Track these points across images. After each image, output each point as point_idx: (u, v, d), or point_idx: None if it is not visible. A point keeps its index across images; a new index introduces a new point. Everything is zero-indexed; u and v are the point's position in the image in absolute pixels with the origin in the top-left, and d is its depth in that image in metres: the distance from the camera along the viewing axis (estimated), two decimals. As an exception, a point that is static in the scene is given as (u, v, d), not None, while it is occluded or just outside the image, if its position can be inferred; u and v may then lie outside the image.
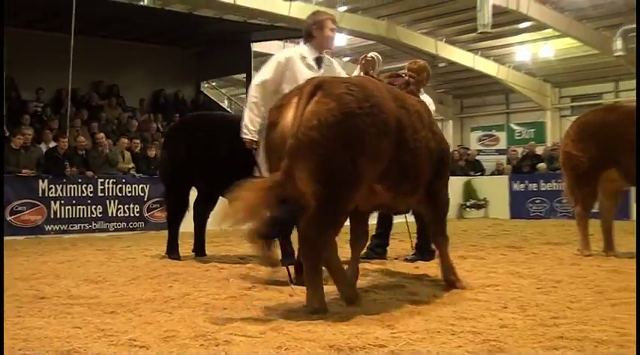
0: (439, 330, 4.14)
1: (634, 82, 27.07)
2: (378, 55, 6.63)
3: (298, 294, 5.56)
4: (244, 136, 6.34)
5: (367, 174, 4.72)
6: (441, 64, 27.09)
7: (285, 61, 6.22)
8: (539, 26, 23.52)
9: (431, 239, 6.05)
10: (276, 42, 25.27)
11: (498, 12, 20.83)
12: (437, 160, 5.54)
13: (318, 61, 6.34)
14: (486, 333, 4.05)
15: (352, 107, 4.53)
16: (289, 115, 4.57)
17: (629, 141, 7.74)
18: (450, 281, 5.84)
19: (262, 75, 6.29)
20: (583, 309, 4.86)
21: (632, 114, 8.08)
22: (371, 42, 25.77)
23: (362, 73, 6.48)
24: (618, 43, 23.17)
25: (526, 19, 22.89)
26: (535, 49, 26.87)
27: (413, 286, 6.01)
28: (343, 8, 23.31)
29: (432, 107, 7.92)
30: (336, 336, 3.99)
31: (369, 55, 6.54)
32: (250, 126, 6.29)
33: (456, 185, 17.19)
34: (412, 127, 5.11)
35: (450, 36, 26.25)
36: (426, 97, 7.92)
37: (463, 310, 4.79)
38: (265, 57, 29.14)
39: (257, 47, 22.59)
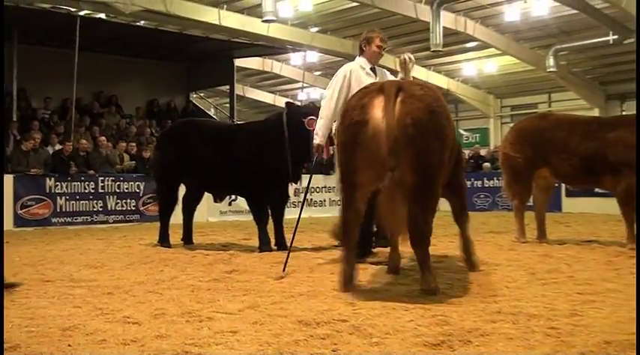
0: (394, 307, 4.15)
1: (564, 94, 27.39)
2: (410, 55, 6.66)
3: (274, 277, 5.57)
4: (315, 141, 6.45)
5: (445, 163, 4.75)
6: (399, 78, 27.12)
7: (349, 73, 6.39)
8: (483, 46, 23.64)
9: (457, 221, 6.13)
10: (256, 58, 25.26)
11: (448, 33, 20.89)
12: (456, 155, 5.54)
13: (373, 70, 6.51)
14: (434, 309, 4.06)
15: (434, 105, 4.55)
16: (378, 114, 4.48)
17: (557, 144, 7.83)
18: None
19: (333, 89, 6.39)
20: (518, 288, 4.90)
21: (560, 121, 8.17)
22: (339, 58, 25.74)
23: (403, 75, 6.51)
24: (550, 61, 23.33)
25: (472, 39, 23.01)
26: (480, 66, 27.03)
27: (372, 268, 6.02)
28: (315, 29, 23.27)
29: None
30: (305, 313, 3.99)
31: (402, 56, 6.58)
32: (320, 133, 6.43)
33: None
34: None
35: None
36: None
37: (415, 289, 4.80)
38: (246, 71, 29.18)
39: (239, 62, 22.54)
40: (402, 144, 4.36)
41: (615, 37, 21.07)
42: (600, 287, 4.90)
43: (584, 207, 15.19)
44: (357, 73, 6.40)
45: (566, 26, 21.96)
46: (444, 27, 20.15)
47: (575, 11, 20.11)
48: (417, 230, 4.55)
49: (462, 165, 5.82)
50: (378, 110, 4.48)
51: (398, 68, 6.60)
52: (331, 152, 7.92)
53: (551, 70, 23.54)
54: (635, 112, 8.46)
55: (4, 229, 11.27)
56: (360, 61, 6.55)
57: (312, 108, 7.68)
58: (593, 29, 21.27)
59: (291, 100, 8.45)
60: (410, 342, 3.32)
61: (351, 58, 24.13)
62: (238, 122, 15.77)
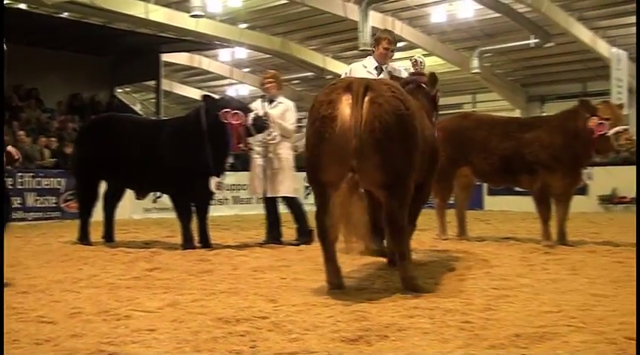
0: (315, 303, 4.18)
1: (488, 95, 28.14)
2: (421, 57, 6.72)
3: (196, 275, 5.53)
4: None
5: (416, 164, 4.74)
6: (328, 76, 27.30)
7: (349, 72, 6.68)
8: (410, 46, 24.02)
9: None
10: (183, 53, 24.96)
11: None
12: (430, 154, 5.45)
13: (377, 69, 6.68)
14: (354, 305, 4.11)
15: (402, 108, 4.54)
16: (345, 112, 4.43)
17: (477, 143, 8.04)
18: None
19: None
20: (436, 283, 5.02)
21: (481, 121, 8.42)
22: (268, 56, 25.73)
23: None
24: (475, 62, 23.96)
25: (400, 39, 23.34)
26: (407, 65, 27.45)
27: (296, 266, 6.06)
28: (244, 25, 23.19)
29: (291, 112, 8.04)
30: (225, 310, 3.98)
31: (413, 58, 6.68)
32: None
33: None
34: (421, 120, 5.12)
35: (336, 52, 26.52)
36: (286, 101, 8.05)
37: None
38: (173, 66, 28.81)
39: (166, 57, 22.26)
40: (369, 147, 4.37)
41: (536, 40, 21.83)
42: (514, 282, 5.07)
43: (504, 205, 15.67)
44: (358, 71, 6.58)
45: (490, 29, 22.61)
46: (372, 27, 20.42)
47: (498, 14, 20.74)
48: (394, 223, 4.60)
49: (435, 165, 5.68)
50: (346, 107, 4.46)
51: (411, 68, 6.72)
52: (249, 145, 7.87)
53: (476, 71, 24.19)
54: (553, 113, 8.77)
55: None
56: (366, 60, 6.86)
57: (229, 101, 7.63)
58: (516, 32, 21.97)
59: (208, 93, 8.38)
60: (328, 338, 3.35)
61: (280, 56, 24.29)
62: (164, 118, 15.55)
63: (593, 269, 5.75)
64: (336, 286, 4.70)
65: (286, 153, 8.04)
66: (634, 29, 21.90)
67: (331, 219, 4.62)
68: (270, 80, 8.09)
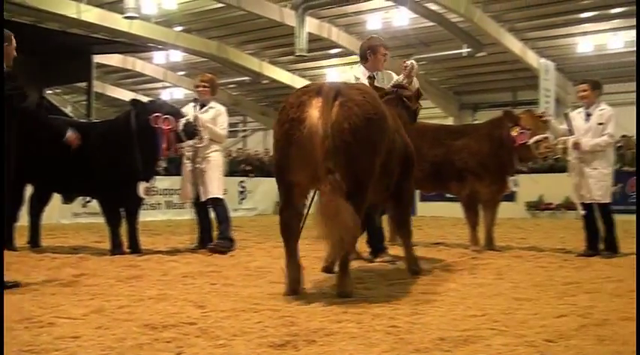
0: (244, 309, 4.18)
1: (422, 102, 28.49)
2: (414, 62, 6.69)
3: (124, 281, 5.44)
4: None
5: (377, 170, 4.75)
6: (264, 81, 27.29)
7: None
8: (346, 52, 24.22)
9: (396, 231, 6.05)
10: (116, 55, 24.49)
11: (313, 39, 21.27)
12: (404, 160, 5.51)
13: (371, 78, 6.49)
14: (284, 311, 4.13)
15: (371, 113, 4.59)
16: (314, 114, 4.43)
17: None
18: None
19: None
20: (366, 289, 5.09)
21: (421, 130, 8.52)
22: (204, 59, 25.49)
23: (406, 78, 6.51)
24: (412, 70, 24.27)
25: (336, 46, 23.56)
26: (343, 72, 27.71)
27: (227, 271, 6.03)
28: (179, 28, 22.92)
29: (223, 117, 8.00)
30: (152, 316, 3.94)
31: (407, 62, 6.60)
32: None
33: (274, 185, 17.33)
34: (395, 127, 5.19)
35: (272, 57, 26.49)
36: (218, 106, 8.00)
37: (267, 291, 4.87)
38: (106, 68, 28.12)
39: (98, 59, 21.76)
40: (336, 149, 4.39)
41: (469, 49, 22.29)
42: (442, 287, 5.19)
43: (436, 211, 15.95)
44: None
45: (424, 37, 22.97)
46: (308, 32, 20.51)
47: (432, 23, 21.10)
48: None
49: (411, 171, 5.78)
50: (315, 110, 4.47)
51: (402, 72, 6.68)
52: (179, 150, 7.78)
53: (414, 78, 24.48)
54: (482, 121, 9.00)
55: None
56: (357, 72, 6.73)
57: (160, 106, 7.50)
58: (449, 41, 22.38)
59: (137, 98, 8.23)
60: (255, 343, 3.36)
61: (215, 59, 24.00)
62: (93, 120, 15.22)
63: (518, 274, 5.93)
64: (292, 292, 4.71)
65: (216, 156, 7.95)
66: (561, 41, 22.69)
67: (296, 216, 4.81)
68: (204, 84, 7.98)
